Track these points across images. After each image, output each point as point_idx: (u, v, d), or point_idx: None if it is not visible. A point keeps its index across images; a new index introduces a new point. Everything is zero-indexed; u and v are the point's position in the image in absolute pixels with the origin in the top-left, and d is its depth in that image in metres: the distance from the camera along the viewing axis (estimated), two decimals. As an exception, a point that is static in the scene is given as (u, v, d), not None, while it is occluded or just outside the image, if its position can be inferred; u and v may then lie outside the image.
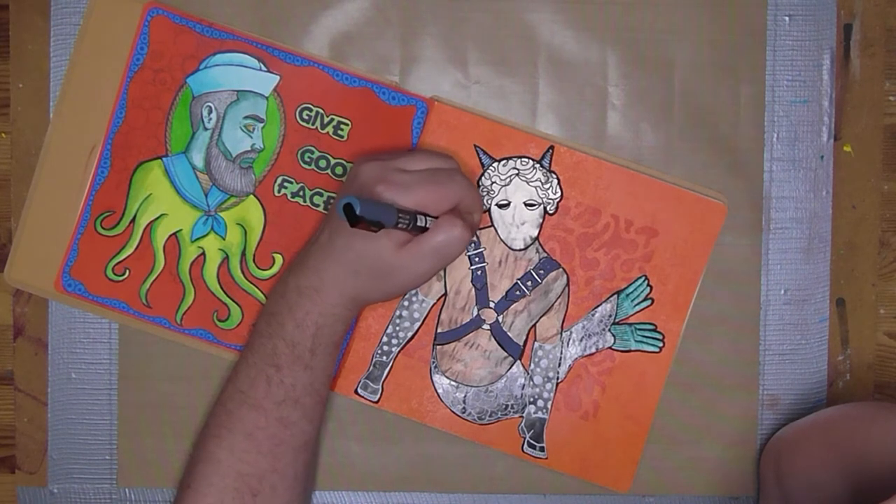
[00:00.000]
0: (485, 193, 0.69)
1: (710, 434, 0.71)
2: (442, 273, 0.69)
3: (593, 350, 0.70)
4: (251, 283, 0.69)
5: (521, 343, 0.70)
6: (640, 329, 0.70)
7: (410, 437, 0.71)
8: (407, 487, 0.71)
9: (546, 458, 0.70)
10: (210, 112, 0.68)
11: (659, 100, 0.71)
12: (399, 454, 0.71)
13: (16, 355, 0.71)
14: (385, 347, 0.70)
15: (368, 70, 0.70)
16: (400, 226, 0.58)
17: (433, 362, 0.70)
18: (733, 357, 0.71)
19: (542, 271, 0.70)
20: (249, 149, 0.69)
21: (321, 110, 0.68)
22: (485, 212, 0.69)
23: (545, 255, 0.70)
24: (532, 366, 0.70)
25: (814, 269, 0.72)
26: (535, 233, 0.69)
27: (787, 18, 0.71)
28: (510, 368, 0.70)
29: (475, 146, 0.69)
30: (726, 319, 0.71)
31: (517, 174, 0.69)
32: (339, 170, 0.69)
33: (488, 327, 0.70)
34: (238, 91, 0.68)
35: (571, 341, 0.70)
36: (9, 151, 0.71)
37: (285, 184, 0.69)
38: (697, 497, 0.72)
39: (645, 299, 0.70)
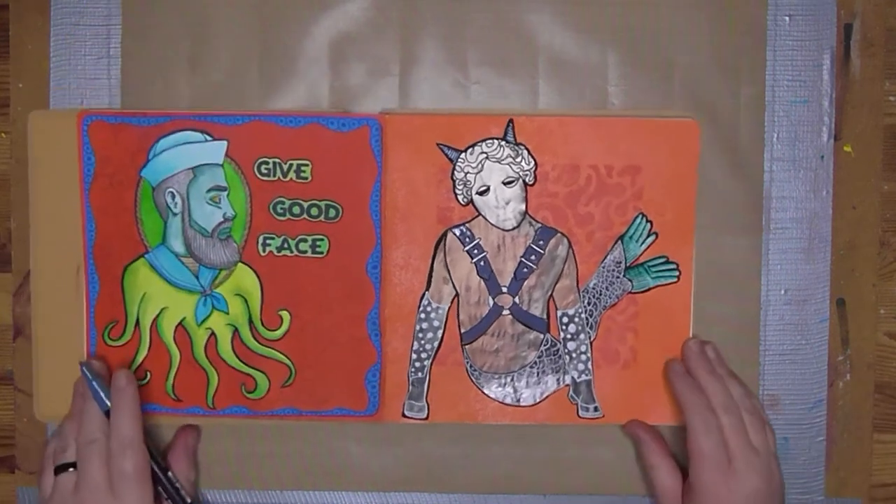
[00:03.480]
0: (462, 187, 0.69)
1: None
2: (448, 275, 0.69)
3: (615, 300, 0.70)
4: (267, 346, 0.69)
5: (545, 316, 0.70)
6: (652, 265, 0.70)
7: (410, 437, 0.71)
8: (407, 487, 0.72)
9: (603, 417, 0.70)
10: (174, 197, 0.68)
11: (659, 100, 0.70)
12: (399, 454, 0.71)
13: (16, 355, 0.71)
14: (417, 364, 0.70)
15: (309, 105, 0.69)
16: None
17: (467, 362, 0.70)
18: (733, 357, 0.71)
19: (541, 242, 0.69)
20: (222, 219, 0.68)
21: (278, 160, 0.68)
22: (467, 204, 0.69)
23: (539, 225, 0.69)
24: (562, 334, 0.70)
25: (814, 269, 0.71)
26: (523, 207, 0.69)
27: (787, 18, 0.70)
28: (542, 343, 0.70)
29: (438, 144, 0.68)
30: (726, 319, 0.71)
31: (486, 157, 0.69)
32: (314, 211, 0.68)
33: (508, 312, 0.70)
34: (193, 168, 0.68)
35: (591, 299, 0.70)
36: (9, 151, 0.71)
37: (267, 241, 0.69)
38: None
39: (648, 235, 0.69)
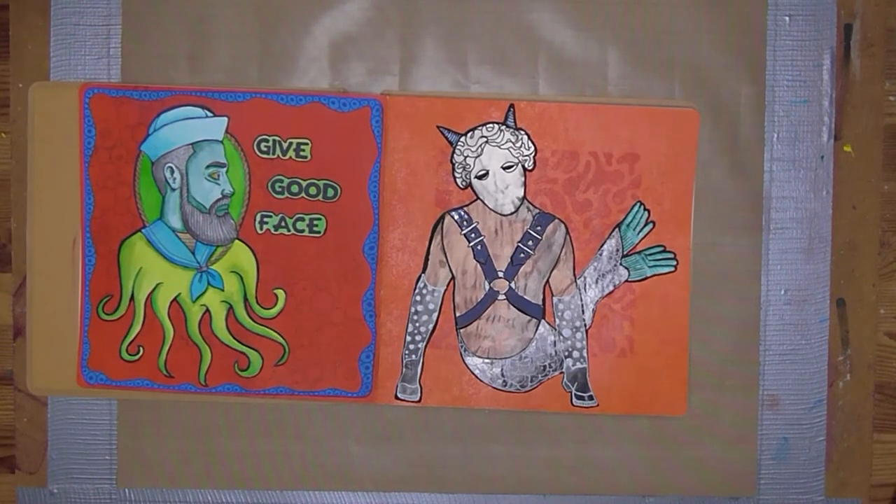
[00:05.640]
0: (461, 170, 0.69)
1: (710, 434, 0.71)
2: (444, 258, 0.69)
3: (611, 288, 0.69)
4: (262, 325, 0.69)
5: (540, 302, 0.69)
6: (650, 254, 0.69)
7: (410, 437, 0.71)
8: (407, 487, 0.71)
9: (597, 406, 0.69)
10: (172, 172, 0.68)
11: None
12: (399, 454, 0.71)
13: (16, 355, 0.71)
14: (411, 346, 0.69)
15: (309, 83, 0.70)
16: None
17: (461, 346, 0.69)
18: (733, 357, 0.71)
19: (539, 227, 0.69)
20: (220, 196, 0.68)
21: (278, 137, 0.68)
22: (466, 187, 0.69)
23: (537, 210, 0.69)
24: (557, 320, 0.69)
25: (814, 269, 0.71)
26: (521, 192, 0.69)
27: (787, 18, 0.70)
28: (537, 329, 0.69)
29: (438, 127, 0.69)
30: (726, 319, 0.70)
31: (486, 141, 0.69)
32: (312, 190, 0.68)
33: (504, 297, 0.69)
34: (192, 143, 0.68)
35: (588, 286, 0.69)
36: (9, 151, 0.71)
37: (265, 219, 0.69)
38: (697, 497, 0.71)
39: (646, 224, 0.69)
